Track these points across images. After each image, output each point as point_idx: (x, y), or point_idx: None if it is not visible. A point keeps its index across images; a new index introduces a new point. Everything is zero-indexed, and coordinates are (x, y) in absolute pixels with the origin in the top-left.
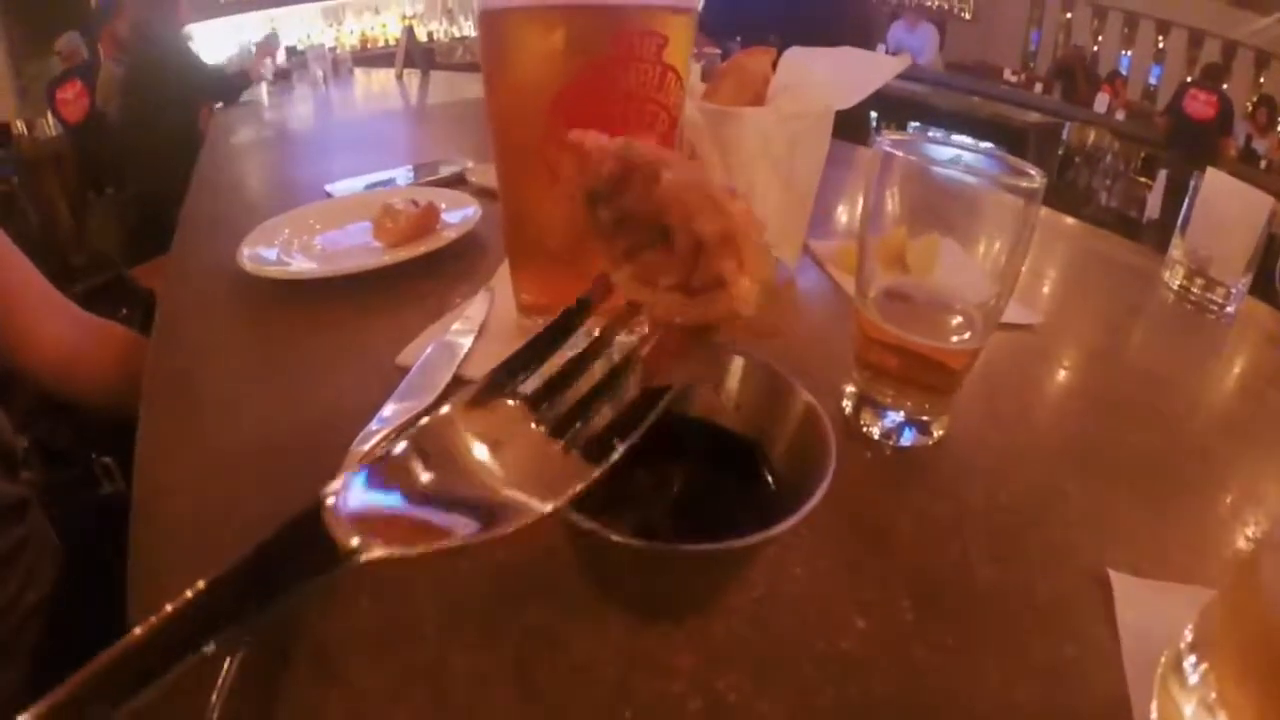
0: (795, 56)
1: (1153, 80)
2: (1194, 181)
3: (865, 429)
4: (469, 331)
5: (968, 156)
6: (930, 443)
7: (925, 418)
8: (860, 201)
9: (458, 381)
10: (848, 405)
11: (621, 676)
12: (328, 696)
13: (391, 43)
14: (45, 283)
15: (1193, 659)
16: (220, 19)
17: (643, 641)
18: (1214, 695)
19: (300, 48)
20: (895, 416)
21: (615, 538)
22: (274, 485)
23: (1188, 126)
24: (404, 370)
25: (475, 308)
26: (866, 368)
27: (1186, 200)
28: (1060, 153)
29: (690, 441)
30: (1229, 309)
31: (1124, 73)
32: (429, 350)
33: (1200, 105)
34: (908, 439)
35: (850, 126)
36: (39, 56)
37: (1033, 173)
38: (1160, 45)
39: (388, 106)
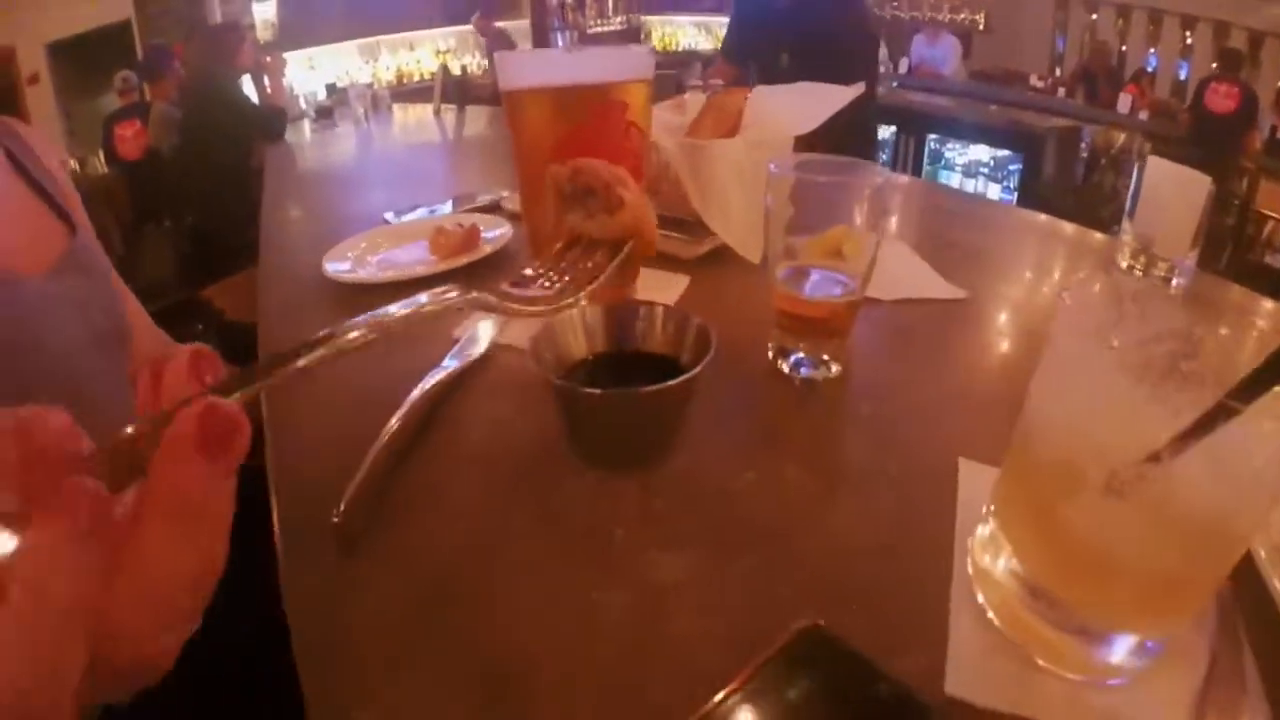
0: (761, 94)
1: (1182, 75)
2: (1137, 167)
3: (780, 367)
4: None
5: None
6: (830, 375)
7: (825, 356)
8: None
9: (495, 345)
10: (770, 351)
11: (592, 499)
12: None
13: (426, 77)
14: (143, 311)
15: (986, 508)
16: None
17: (607, 482)
18: (999, 532)
19: (340, 84)
20: (798, 356)
21: (585, 390)
22: (367, 417)
23: (1210, 122)
24: (457, 340)
25: None
26: (777, 324)
27: (1132, 185)
28: (1085, 156)
29: (638, 361)
30: (1175, 283)
31: (1151, 70)
32: (476, 326)
33: (1220, 99)
34: (805, 371)
35: (859, 143)
36: (88, 98)
37: (876, 171)
38: (1188, 40)
39: (427, 140)
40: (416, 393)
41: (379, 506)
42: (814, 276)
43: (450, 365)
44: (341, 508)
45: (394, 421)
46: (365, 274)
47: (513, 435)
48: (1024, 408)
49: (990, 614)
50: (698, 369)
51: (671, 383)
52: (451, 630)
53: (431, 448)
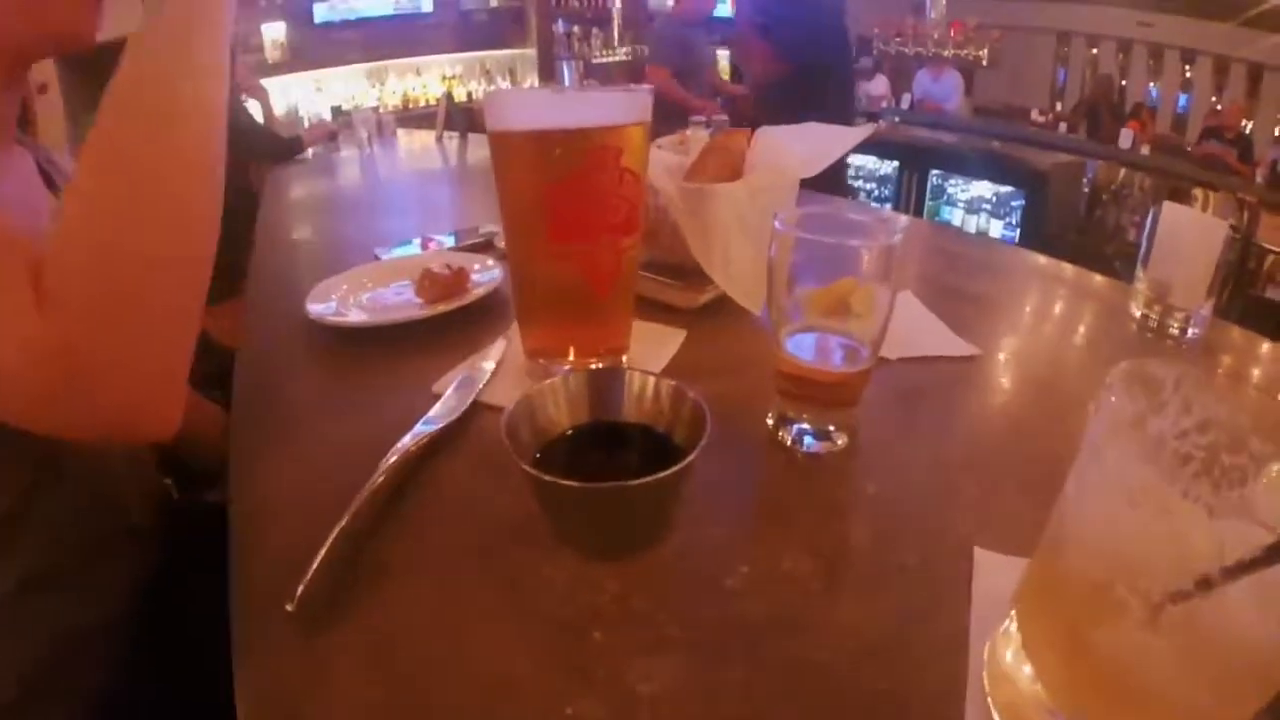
0: (767, 134)
1: (1180, 109)
2: (1153, 212)
3: (782, 438)
4: (488, 369)
5: (844, 218)
6: (835, 449)
7: (830, 427)
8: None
9: (476, 405)
10: (770, 421)
11: (570, 591)
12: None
13: (432, 102)
14: None
15: (1010, 614)
16: (268, 79)
17: (586, 571)
18: (1019, 635)
19: (345, 108)
20: (801, 427)
21: (561, 483)
22: (335, 473)
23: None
24: (438, 396)
25: (494, 351)
26: (779, 390)
27: (1147, 231)
28: (1087, 191)
29: (624, 436)
30: (1190, 333)
31: (1152, 104)
32: (457, 381)
33: None
34: (810, 446)
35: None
36: (94, 111)
37: (895, 223)
38: (1187, 74)
39: (429, 168)
40: (388, 460)
41: (340, 590)
42: (823, 340)
43: (426, 429)
44: (297, 595)
45: (362, 493)
46: (351, 318)
47: (487, 511)
48: (1053, 516)
49: None
50: (690, 457)
51: (660, 475)
52: None
53: (400, 522)
